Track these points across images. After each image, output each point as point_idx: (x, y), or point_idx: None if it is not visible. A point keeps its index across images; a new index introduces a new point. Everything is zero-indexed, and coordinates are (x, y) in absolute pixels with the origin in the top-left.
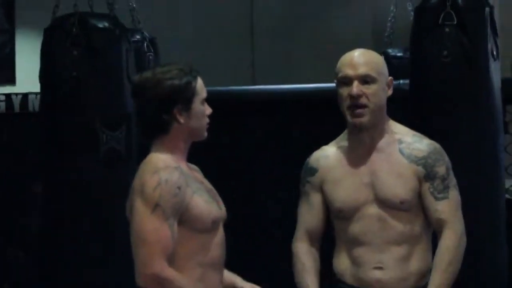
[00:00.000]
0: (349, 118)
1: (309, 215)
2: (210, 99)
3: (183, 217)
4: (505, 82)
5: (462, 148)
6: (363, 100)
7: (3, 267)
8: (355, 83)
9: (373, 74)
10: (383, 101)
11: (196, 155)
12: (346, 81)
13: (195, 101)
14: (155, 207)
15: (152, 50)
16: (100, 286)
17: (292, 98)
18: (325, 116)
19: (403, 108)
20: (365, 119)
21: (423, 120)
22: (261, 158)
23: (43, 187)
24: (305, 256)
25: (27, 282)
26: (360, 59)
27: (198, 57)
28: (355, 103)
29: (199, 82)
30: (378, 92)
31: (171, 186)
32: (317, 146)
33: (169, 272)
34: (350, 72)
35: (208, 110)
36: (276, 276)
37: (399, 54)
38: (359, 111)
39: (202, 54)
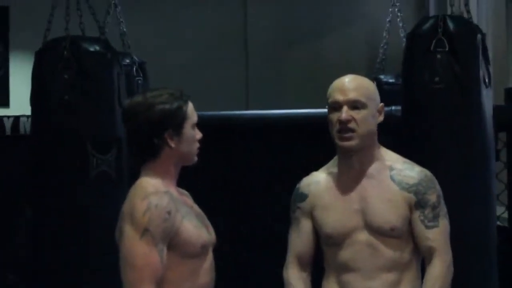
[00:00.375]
0: (338, 141)
1: (299, 241)
2: (203, 123)
3: (173, 242)
4: (497, 109)
5: (454, 175)
6: (352, 125)
7: None
8: (345, 108)
9: (362, 99)
10: (373, 126)
11: (188, 178)
12: (336, 106)
13: (186, 125)
14: (144, 232)
15: (141, 74)
16: None
17: (285, 123)
18: (317, 141)
19: (394, 135)
20: (353, 143)
21: (414, 146)
22: (254, 182)
23: (33, 211)
24: (296, 281)
25: None
26: (350, 85)
27: (191, 81)
28: (344, 127)
29: (190, 107)
30: (368, 118)
31: (160, 211)
32: (310, 171)
33: None
34: (339, 97)
35: (199, 134)
36: None
37: (391, 80)
38: (347, 135)
39: (194, 78)
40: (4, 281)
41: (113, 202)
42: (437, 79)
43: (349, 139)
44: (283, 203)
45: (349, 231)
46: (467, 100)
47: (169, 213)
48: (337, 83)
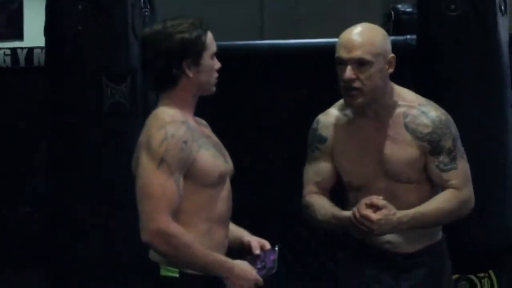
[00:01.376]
0: (345, 98)
1: (318, 173)
2: (218, 54)
3: (189, 172)
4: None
5: (470, 103)
6: (357, 84)
7: (14, 223)
8: (348, 67)
9: (367, 57)
10: (380, 82)
11: (204, 108)
12: (341, 61)
13: (204, 55)
14: (161, 161)
15: (149, 6)
16: (103, 241)
17: (299, 53)
18: (332, 72)
19: (410, 64)
20: (359, 101)
21: (429, 76)
22: (269, 112)
23: (48, 144)
24: (318, 200)
25: (37, 239)
26: (355, 41)
27: (206, 12)
28: (348, 86)
29: (209, 36)
30: (374, 75)
31: (177, 141)
32: (324, 103)
33: (175, 227)
34: (344, 54)
35: (217, 64)
36: (282, 233)
37: (408, 10)
38: (353, 93)
39: (209, 10)
40: (21, 213)
41: (127, 133)
42: (453, 6)
43: (354, 97)
44: (300, 136)
45: (368, 180)
46: (484, 28)
47: (185, 142)
48: (343, 36)
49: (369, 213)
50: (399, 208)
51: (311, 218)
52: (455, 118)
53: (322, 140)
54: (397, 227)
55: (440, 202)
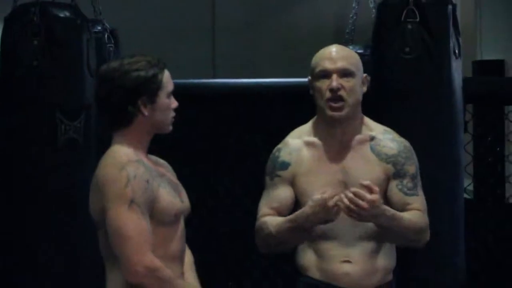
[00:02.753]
0: (328, 112)
1: (275, 199)
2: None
3: (152, 210)
4: (465, 81)
5: (422, 145)
6: (342, 93)
7: None
8: (334, 76)
9: (351, 68)
10: (360, 96)
11: (159, 147)
12: (325, 74)
13: (160, 94)
14: (131, 203)
15: (113, 42)
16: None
17: (252, 92)
18: (286, 109)
19: (363, 105)
20: (343, 113)
21: (383, 117)
22: (222, 150)
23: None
24: (271, 218)
25: None
26: (338, 54)
27: (160, 49)
28: (335, 96)
29: (166, 75)
30: (356, 87)
31: (139, 181)
32: (277, 139)
33: (157, 261)
34: (329, 65)
35: (174, 103)
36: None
37: (359, 51)
38: (338, 104)
39: (163, 47)
40: None
41: (81, 169)
42: (407, 49)
43: (339, 109)
44: (252, 174)
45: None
46: (437, 70)
47: (147, 181)
48: (324, 51)
49: (364, 192)
50: (358, 232)
51: (265, 238)
52: None
53: (284, 166)
54: (379, 217)
55: (412, 215)
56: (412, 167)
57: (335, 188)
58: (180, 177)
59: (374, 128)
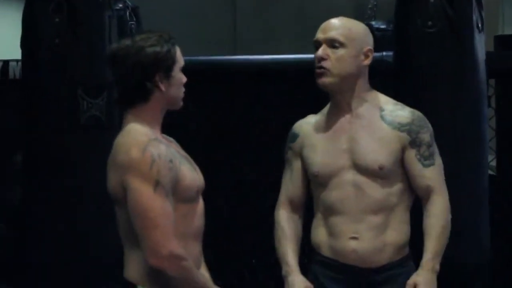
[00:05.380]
0: (316, 79)
1: (291, 182)
2: (192, 69)
3: (174, 189)
4: (487, 56)
5: (446, 120)
6: (326, 64)
7: None
8: (323, 46)
9: (341, 38)
10: (352, 68)
11: (175, 124)
12: (317, 44)
13: (175, 68)
14: (157, 184)
15: (135, 19)
16: (79, 255)
17: (273, 68)
18: (306, 87)
19: (385, 80)
20: (326, 80)
21: (407, 92)
22: (243, 128)
23: (23, 156)
24: (285, 223)
25: (8, 254)
26: (333, 23)
27: (181, 26)
28: (318, 65)
29: (178, 50)
30: (345, 58)
31: (164, 161)
32: (298, 117)
33: (183, 250)
34: (320, 35)
35: (184, 78)
36: (256, 246)
37: (382, 27)
38: (321, 70)
39: (185, 24)
40: None
41: (103, 147)
42: (430, 23)
43: (321, 76)
44: (273, 151)
45: (335, 170)
46: (460, 44)
47: (171, 161)
48: (324, 23)
49: None
50: (365, 205)
51: (274, 235)
52: None
53: (294, 137)
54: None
55: (436, 216)
56: (427, 135)
57: (340, 157)
58: (198, 155)
59: (383, 100)
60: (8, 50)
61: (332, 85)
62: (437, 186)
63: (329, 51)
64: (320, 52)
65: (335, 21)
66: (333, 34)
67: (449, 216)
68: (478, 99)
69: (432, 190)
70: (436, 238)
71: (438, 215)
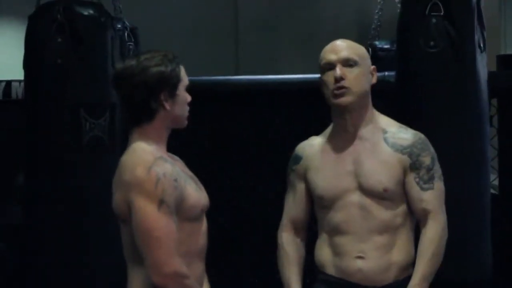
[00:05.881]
0: (332, 100)
1: (294, 204)
2: (194, 89)
3: (178, 208)
4: (489, 75)
5: (448, 140)
6: (346, 83)
7: None
8: (338, 65)
9: (355, 57)
10: (366, 86)
11: (179, 144)
12: (330, 66)
13: (180, 87)
14: (161, 203)
15: (133, 40)
16: (80, 278)
17: (275, 89)
18: (309, 107)
19: (388, 100)
20: (348, 99)
21: (408, 111)
22: (244, 148)
23: (25, 177)
24: (289, 246)
25: (9, 274)
26: (341, 45)
27: (181, 47)
28: (339, 85)
29: (182, 69)
30: (361, 76)
31: (169, 179)
32: (303, 137)
33: (186, 269)
34: (332, 57)
35: (189, 97)
36: (261, 267)
37: (386, 46)
38: (341, 90)
39: (185, 44)
40: None
41: (106, 167)
42: (432, 43)
43: (343, 95)
44: (275, 170)
45: (341, 192)
46: (463, 65)
47: (176, 180)
48: (328, 46)
49: None
50: (371, 226)
51: (277, 258)
52: None
53: (297, 160)
54: None
55: (430, 239)
56: (427, 158)
57: (345, 179)
58: (200, 173)
59: (386, 122)
60: (11, 70)
61: (352, 104)
62: (434, 210)
63: (345, 70)
64: (338, 72)
65: (342, 42)
66: (347, 53)
67: (443, 242)
68: (479, 118)
69: (428, 213)
70: (426, 262)
71: (431, 240)
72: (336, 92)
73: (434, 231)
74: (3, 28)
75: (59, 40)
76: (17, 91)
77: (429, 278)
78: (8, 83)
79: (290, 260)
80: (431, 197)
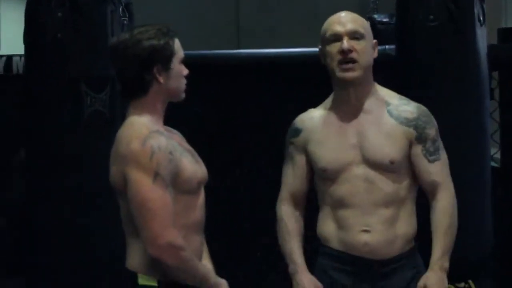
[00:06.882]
0: (339, 73)
1: (293, 176)
2: (194, 63)
3: (174, 181)
4: (490, 48)
5: (448, 113)
6: (354, 55)
7: None
8: (346, 38)
9: (361, 30)
10: (371, 59)
11: (179, 119)
12: (336, 38)
13: (174, 60)
14: (156, 175)
15: (127, 15)
16: (82, 250)
17: (276, 62)
18: (309, 80)
19: (388, 74)
20: (356, 74)
21: (409, 85)
22: (246, 121)
23: (26, 151)
24: (289, 219)
25: (9, 250)
26: (347, 17)
27: (183, 20)
28: (346, 58)
29: (177, 42)
30: (367, 49)
31: (164, 152)
32: (301, 110)
33: (181, 241)
34: (339, 28)
35: (185, 71)
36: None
37: (385, 20)
38: (349, 65)
39: (186, 17)
40: None
41: (107, 141)
42: (431, 17)
43: (351, 69)
44: (276, 145)
45: (345, 165)
46: (462, 38)
47: (171, 153)
48: (333, 17)
49: None
50: (375, 198)
51: (277, 231)
52: None
53: (297, 132)
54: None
55: (443, 211)
56: (432, 130)
57: (349, 152)
58: (201, 149)
59: (388, 94)
60: (12, 45)
61: (359, 78)
62: (443, 181)
63: (353, 43)
64: (346, 44)
65: (347, 14)
66: (354, 26)
67: (455, 211)
68: (480, 92)
69: (437, 185)
70: (443, 235)
71: (444, 211)
72: (343, 66)
73: (446, 202)
74: (4, 3)
75: (59, 14)
76: (18, 65)
77: (448, 250)
78: (9, 57)
79: (291, 233)
80: (439, 169)
